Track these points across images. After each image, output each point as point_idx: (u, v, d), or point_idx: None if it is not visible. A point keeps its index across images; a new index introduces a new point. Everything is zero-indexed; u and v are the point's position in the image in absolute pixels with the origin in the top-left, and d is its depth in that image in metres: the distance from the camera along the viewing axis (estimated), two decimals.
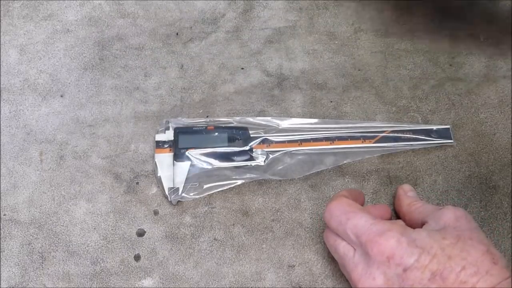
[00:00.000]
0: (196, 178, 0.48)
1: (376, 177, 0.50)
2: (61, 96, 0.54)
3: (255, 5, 0.59)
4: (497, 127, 0.52)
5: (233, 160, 0.49)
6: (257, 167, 0.49)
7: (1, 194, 0.49)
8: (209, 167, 0.49)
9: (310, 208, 0.48)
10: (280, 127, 0.51)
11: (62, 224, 0.47)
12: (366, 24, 0.58)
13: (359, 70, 0.55)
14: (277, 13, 0.58)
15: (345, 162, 0.50)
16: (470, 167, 0.50)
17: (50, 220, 0.48)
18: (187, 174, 0.48)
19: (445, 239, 0.38)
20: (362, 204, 0.46)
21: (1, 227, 0.47)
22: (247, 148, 0.49)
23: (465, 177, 0.50)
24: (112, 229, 0.47)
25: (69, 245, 0.47)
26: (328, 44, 0.57)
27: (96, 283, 0.45)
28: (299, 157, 0.50)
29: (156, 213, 0.48)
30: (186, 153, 0.49)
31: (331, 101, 0.53)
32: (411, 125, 0.51)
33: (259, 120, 0.51)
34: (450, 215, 0.40)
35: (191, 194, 0.48)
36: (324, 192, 0.49)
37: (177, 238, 0.47)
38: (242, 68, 0.55)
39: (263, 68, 0.55)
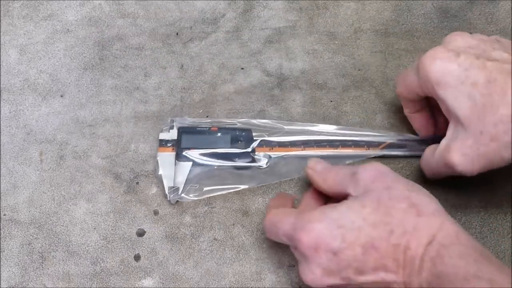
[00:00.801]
0: (197, 179, 0.48)
1: None
2: (61, 96, 0.54)
3: (255, 5, 0.59)
4: None
5: (234, 162, 0.49)
6: (259, 169, 0.49)
7: (1, 194, 0.49)
8: (211, 167, 0.49)
9: None
10: (284, 130, 0.51)
11: (62, 224, 0.48)
12: (366, 24, 0.58)
13: (359, 70, 0.55)
14: (277, 13, 0.58)
15: (347, 163, 0.49)
16: None
17: (50, 220, 0.48)
18: (188, 174, 0.48)
19: (365, 207, 0.37)
20: (292, 204, 0.46)
21: (1, 227, 0.47)
22: (249, 150, 0.49)
23: (465, 177, 0.50)
24: (112, 229, 0.47)
25: (69, 245, 0.47)
26: (328, 44, 0.57)
27: (96, 283, 0.45)
28: (301, 157, 0.49)
29: (156, 213, 0.48)
30: (188, 153, 0.49)
31: (331, 101, 0.53)
32: (416, 136, 0.50)
33: (264, 122, 0.51)
34: (365, 177, 0.39)
35: (191, 195, 0.48)
36: None
37: (177, 238, 0.47)
38: (242, 68, 0.55)
39: (263, 68, 0.55)
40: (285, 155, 0.49)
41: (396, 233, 0.36)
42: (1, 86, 0.54)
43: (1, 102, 0.53)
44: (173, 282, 0.45)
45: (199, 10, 0.59)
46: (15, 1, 0.59)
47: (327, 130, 0.51)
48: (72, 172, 0.50)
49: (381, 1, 0.59)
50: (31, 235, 0.47)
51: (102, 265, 0.46)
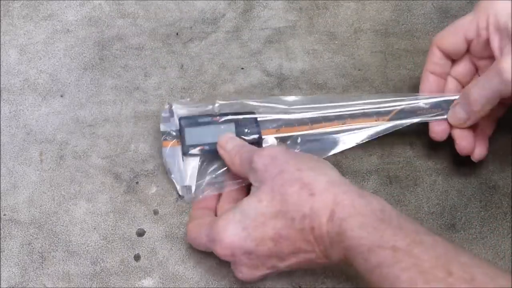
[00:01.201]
0: (208, 173, 0.46)
1: (376, 177, 0.50)
2: (61, 96, 0.54)
3: (255, 5, 0.59)
4: (498, 127, 0.52)
5: None
6: None
7: (1, 194, 0.49)
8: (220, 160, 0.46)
9: None
10: (288, 109, 0.48)
11: (62, 224, 0.48)
12: (366, 24, 0.58)
13: (359, 70, 0.55)
14: (277, 13, 0.58)
15: (357, 142, 0.47)
16: (470, 167, 0.50)
17: (50, 220, 0.48)
18: (199, 169, 0.46)
19: (261, 201, 0.38)
20: (215, 202, 0.46)
21: (1, 227, 0.47)
22: (256, 136, 0.47)
23: (465, 177, 0.50)
24: (112, 229, 0.47)
25: (69, 245, 0.47)
26: (328, 44, 0.57)
27: (96, 283, 0.45)
28: (311, 142, 0.47)
29: (156, 213, 0.48)
30: (195, 149, 0.47)
31: None
32: (426, 98, 0.48)
33: (266, 102, 0.49)
34: (260, 166, 0.40)
35: (206, 191, 0.46)
36: None
37: (177, 238, 0.47)
38: (242, 68, 0.55)
39: (263, 68, 0.55)
40: (293, 135, 0.47)
41: (297, 219, 0.37)
42: (1, 86, 0.54)
43: (1, 102, 0.53)
44: (173, 282, 0.45)
45: (199, 10, 0.58)
46: (15, 1, 0.59)
47: (334, 103, 0.48)
48: (72, 172, 0.50)
49: (381, 1, 0.59)
50: (31, 235, 0.47)
51: (102, 265, 0.46)
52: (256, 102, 0.49)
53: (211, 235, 0.40)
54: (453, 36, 0.46)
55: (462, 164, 0.50)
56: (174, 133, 0.48)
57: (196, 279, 0.45)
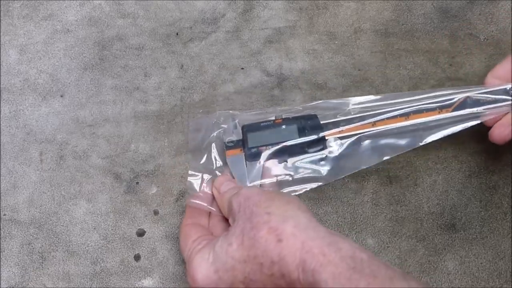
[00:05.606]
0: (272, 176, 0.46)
1: (376, 177, 0.50)
2: (61, 96, 0.54)
3: (255, 5, 0.59)
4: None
5: (306, 152, 0.46)
6: (330, 158, 0.46)
7: (1, 194, 0.49)
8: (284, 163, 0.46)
9: (310, 208, 0.48)
10: (348, 109, 0.48)
11: (62, 224, 0.48)
12: (366, 24, 0.58)
13: (359, 70, 0.55)
14: (277, 13, 0.58)
15: (421, 144, 0.46)
16: (470, 167, 0.50)
17: (50, 220, 0.48)
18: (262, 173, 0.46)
19: (231, 245, 0.38)
20: (206, 217, 0.45)
21: (1, 227, 0.47)
22: (318, 136, 0.46)
23: (465, 177, 0.50)
24: (112, 229, 0.47)
25: (69, 245, 0.47)
26: (328, 44, 0.57)
27: (96, 283, 0.45)
28: (372, 143, 0.47)
29: (156, 213, 0.48)
30: (257, 151, 0.46)
31: None
32: (484, 88, 0.47)
33: (327, 104, 0.48)
34: (235, 205, 0.40)
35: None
36: (324, 192, 0.49)
37: (177, 238, 0.47)
38: (242, 68, 0.55)
39: (263, 68, 0.55)
40: (356, 135, 0.46)
41: (265, 265, 0.37)
42: (1, 86, 0.54)
43: (1, 102, 0.53)
44: (173, 282, 0.45)
45: (199, 10, 0.58)
46: (15, 1, 0.59)
47: (393, 100, 0.47)
48: (72, 172, 0.50)
49: (381, 1, 0.59)
50: (31, 235, 0.47)
51: (102, 265, 0.46)
52: (317, 103, 0.49)
53: (188, 269, 0.40)
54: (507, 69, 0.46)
55: (462, 164, 0.50)
56: (237, 142, 0.48)
57: None
